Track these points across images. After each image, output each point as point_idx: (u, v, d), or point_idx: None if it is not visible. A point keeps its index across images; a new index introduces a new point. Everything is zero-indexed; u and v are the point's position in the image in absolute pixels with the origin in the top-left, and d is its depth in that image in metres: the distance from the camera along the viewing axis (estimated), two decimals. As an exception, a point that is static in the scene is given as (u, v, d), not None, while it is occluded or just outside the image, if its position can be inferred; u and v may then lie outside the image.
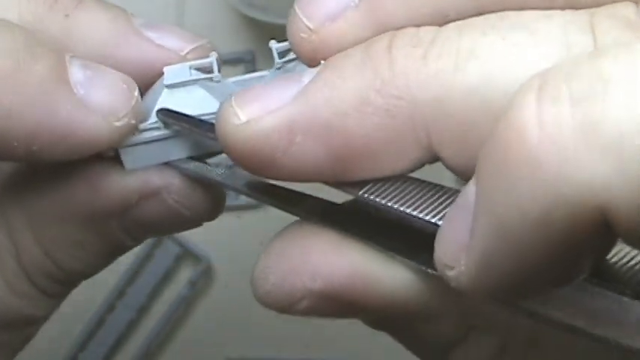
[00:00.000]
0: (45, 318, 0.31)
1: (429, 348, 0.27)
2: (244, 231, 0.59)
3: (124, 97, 0.27)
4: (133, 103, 0.27)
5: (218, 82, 0.28)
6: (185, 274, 0.60)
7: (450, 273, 0.22)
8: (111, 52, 0.28)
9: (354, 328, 0.59)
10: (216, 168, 0.29)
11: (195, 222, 0.30)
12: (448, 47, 0.23)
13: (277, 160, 0.24)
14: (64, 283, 0.30)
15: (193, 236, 0.59)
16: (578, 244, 0.19)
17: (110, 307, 0.59)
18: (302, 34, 0.25)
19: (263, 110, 0.24)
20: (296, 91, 0.24)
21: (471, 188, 0.21)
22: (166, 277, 0.59)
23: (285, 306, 0.26)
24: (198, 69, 0.29)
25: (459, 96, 0.23)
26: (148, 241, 0.59)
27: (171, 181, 0.28)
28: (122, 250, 0.30)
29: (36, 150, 0.25)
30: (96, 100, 0.26)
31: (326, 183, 0.26)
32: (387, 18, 0.24)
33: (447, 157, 0.24)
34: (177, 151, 0.28)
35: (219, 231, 0.59)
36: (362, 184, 0.25)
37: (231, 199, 0.59)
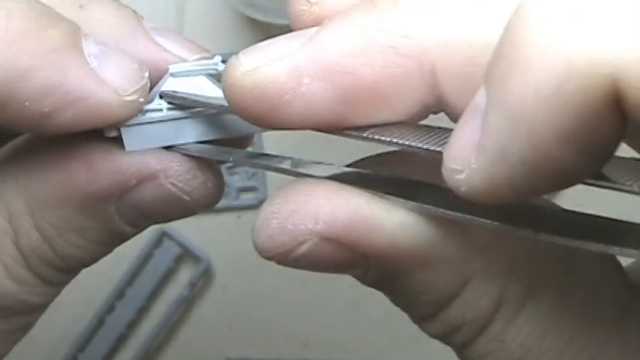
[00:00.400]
0: (43, 307, 0.31)
1: (425, 302, 0.27)
2: (244, 231, 0.59)
3: (136, 75, 0.27)
4: (143, 82, 0.27)
5: (222, 70, 0.29)
6: (185, 274, 0.60)
7: (459, 177, 0.22)
8: (119, 48, 0.29)
9: (354, 328, 0.59)
10: (219, 147, 0.29)
11: (194, 209, 0.30)
12: None
13: (284, 103, 0.25)
14: (62, 270, 0.30)
15: (193, 236, 0.59)
16: (591, 124, 0.19)
17: (110, 308, 0.59)
18: (302, 7, 0.26)
19: (270, 57, 0.25)
20: (303, 40, 0.25)
21: (479, 94, 0.22)
22: (166, 278, 0.59)
23: (287, 250, 0.25)
24: (202, 67, 0.29)
25: (465, 31, 0.24)
26: (148, 242, 0.59)
27: (169, 164, 0.28)
28: (121, 238, 0.30)
29: (45, 112, 0.26)
30: (108, 73, 0.27)
31: (331, 131, 0.26)
32: None
33: (450, 96, 0.25)
34: (179, 135, 0.28)
35: (218, 231, 0.59)
36: (366, 128, 0.25)
37: (231, 199, 0.59)
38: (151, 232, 0.59)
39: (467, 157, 0.22)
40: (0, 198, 0.29)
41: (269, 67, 0.25)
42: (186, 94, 0.28)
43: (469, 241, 0.25)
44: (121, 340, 0.59)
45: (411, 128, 0.25)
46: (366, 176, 0.26)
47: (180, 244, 0.59)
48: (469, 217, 0.24)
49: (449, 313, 0.26)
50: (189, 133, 0.28)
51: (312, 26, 0.26)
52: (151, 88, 0.29)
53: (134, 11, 0.30)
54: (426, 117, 0.26)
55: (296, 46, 0.25)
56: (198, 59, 0.29)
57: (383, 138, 0.25)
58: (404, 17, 0.25)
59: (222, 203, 0.59)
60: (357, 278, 0.28)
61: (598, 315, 0.26)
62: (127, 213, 0.29)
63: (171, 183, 0.29)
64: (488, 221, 0.24)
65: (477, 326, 0.26)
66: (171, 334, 0.60)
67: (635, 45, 0.18)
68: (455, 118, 0.24)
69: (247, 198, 0.59)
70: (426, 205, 0.25)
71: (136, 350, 0.59)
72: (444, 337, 0.28)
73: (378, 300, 0.63)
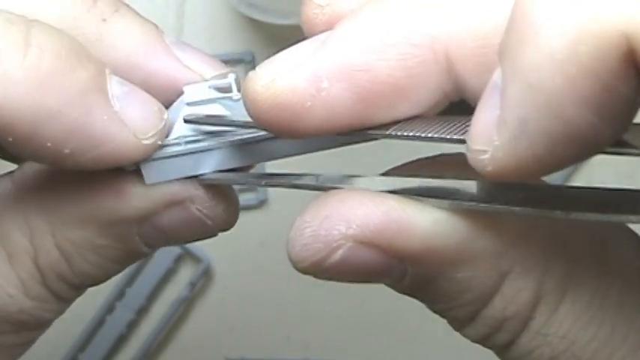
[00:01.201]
0: (51, 322, 0.31)
1: (464, 303, 0.26)
2: (244, 231, 0.59)
3: (156, 117, 0.28)
4: (162, 125, 0.28)
5: (237, 100, 0.29)
6: (185, 274, 0.60)
7: (484, 156, 0.22)
8: (140, 63, 0.29)
9: (354, 328, 0.59)
10: (235, 174, 0.29)
11: (213, 232, 0.31)
12: None
13: (307, 110, 0.25)
14: (75, 287, 0.30)
15: (193, 236, 0.59)
16: (608, 85, 0.19)
17: (110, 308, 0.59)
18: (315, 11, 0.27)
19: (287, 67, 0.25)
20: (317, 45, 0.25)
21: (496, 72, 0.22)
22: (166, 278, 0.59)
23: (322, 258, 0.26)
24: (217, 88, 0.29)
25: (475, 13, 0.24)
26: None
27: (195, 192, 0.29)
28: (137, 257, 0.31)
29: (66, 154, 0.26)
30: (130, 116, 0.27)
31: (355, 134, 0.26)
32: None
33: (467, 80, 0.25)
34: (197, 166, 0.29)
35: (219, 231, 0.59)
36: (389, 125, 0.26)
37: (231, 199, 0.59)
38: (150, 232, 0.59)
39: (489, 136, 0.22)
40: (23, 216, 0.29)
41: (287, 77, 0.25)
42: (208, 117, 0.29)
43: (503, 235, 0.25)
44: (121, 340, 0.59)
45: (433, 120, 0.25)
46: (398, 181, 0.27)
47: (180, 245, 0.59)
48: (501, 206, 0.24)
49: (489, 311, 0.26)
50: (207, 163, 0.29)
51: (325, 29, 0.26)
52: (166, 104, 0.29)
53: (155, 25, 0.30)
54: (446, 106, 0.26)
55: (310, 51, 0.25)
56: (214, 77, 0.30)
57: (406, 133, 0.25)
58: (412, 6, 0.25)
59: (222, 203, 0.59)
60: (394, 286, 0.28)
61: (639, 302, 0.26)
62: (148, 235, 0.30)
63: (197, 209, 0.29)
64: (521, 209, 0.24)
65: (519, 322, 0.26)
66: (171, 334, 0.60)
67: None
68: (474, 102, 0.24)
69: (247, 198, 0.59)
70: (458, 201, 0.25)
71: (136, 350, 0.59)
72: (487, 339, 0.27)
73: (378, 300, 0.63)
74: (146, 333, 0.59)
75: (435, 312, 0.28)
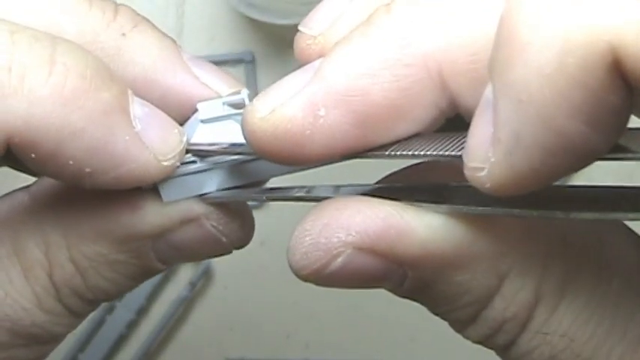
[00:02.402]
0: (62, 337, 0.31)
1: (464, 305, 0.27)
2: (244, 231, 0.59)
3: (175, 140, 0.28)
4: (182, 147, 0.28)
5: None
6: (185, 275, 0.60)
7: (482, 174, 0.22)
8: (157, 79, 0.29)
9: (354, 328, 0.59)
10: (249, 189, 0.30)
11: (228, 249, 0.31)
12: None
13: (307, 138, 0.25)
14: (89, 302, 0.30)
15: (193, 236, 0.59)
16: (597, 95, 0.20)
17: (110, 308, 0.59)
18: (308, 42, 0.27)
19: (283, 97, 0.25)
20: (311, 73, 0.26)
21: (488, 89, 0.22)
22: (166, 278, 0.59)
23: (322, 265, 0.26)
24: (231, 104, 0.29)
25: (464, 29, 0.24)
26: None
27: (210, 208, 0.29)
28: (151, 273, 0.31)
29: (87, 172, 0.26)
30: (151, 137, 0.27)
31: (355, 156, 0.26)
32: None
33: (461, 95, 0.25)
34: (211, 183, 0.29)
35: (219, 231, 0.59)
36: (388, 146, 0.26)
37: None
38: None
39: (485, 153, 0.22)
40: (39, 230, 0.29)
41: (285, 107, 0.25)
42: (211, 145, 0.29)
43: (501, 237, 0.26)
44: (121, 340, 0.59)
45: (431, 137, 0.26)
46: (395, 189, 0.27)
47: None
48: (499, 210, 0.25)
49: (490, 312, 0.27)
50: (222, 180, 0.29)
51: (320, 57, 0.26)
52: (181, 119, 0.29)
53: (174, 41, 0.30)
54: (443, 122, 0.26)
55: (305, 80, 0.25)
56: (228, 95, 0.30)
57: (405, 152, 0.25)
58: (401, 26, 0.25)
59: (222, 203, 0.59)
60: (394, 291, 0.28)
61: (637, 299, 0.26)
62: (163, 251, 0.30)
63: (212, 225, 0.29)
64: (519, 210, 0.24)
65: (519, 322, 0.26)
66: (171, 334, 0.60)
67: (628, 10, 0.19)
68: (469, 117, 0.24)
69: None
70: (455, 206, 0.25)
71: (136, 350, 0.59)
72: (488, 340, 0.27)
73: (378, 300, 0.63)
74: (146, 333, 0.59)
75: (436, 314, 0.28)
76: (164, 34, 0.30)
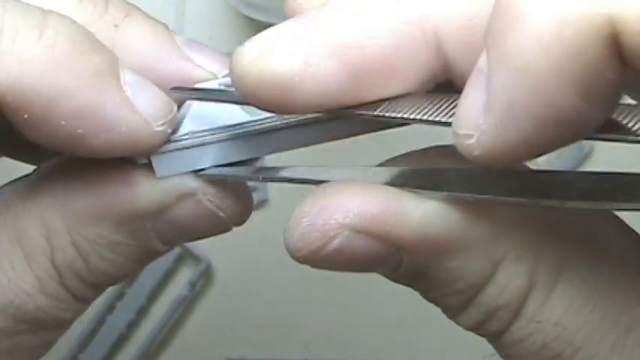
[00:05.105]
0: (69, 323, 0.31)
1: (458, 291, 0.27)
2: (244, 231, 0.59)
3: (166, 107, 0.28)
4: (172, 115, 0.28)
5: None
6: (185, 274, 0.60)
7: (471, 141, 0.22)
8: (153, 66, 0.30)
9: (354, 328, 0.59)
10: (245, 167, 0.30)
11: (226, 225, 0.31)
12: None
13: (296, 85, 0.25)
14: (93, 286, 0.31)
15: (193, 236, 0.59)
16: (592, 68, 0.20)
17: (110, 308, 0.59)
18: (300, 2, 0.28)
19: (275, 43, 0.25)
20: (306, 22, 0.26)
21: (482, 57, 0.22)
22: (166, 278, 0.59)
23: (319, 247, 0.26)
24: (227, 85, 0.29)
25: None
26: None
27: (206, 184, 0.29)
28: (153, 255, 0.31)
29: (79, 134, 0.27)
30: (141, 103, 0.28)
31: (342, 112, 0.26)
32: None
33: (455, 61, 0.25)
34: (206, 159, 0.29)
35: (219, 231, 0.59)
36: (377, 104, 0.26)
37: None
38: (150, 232, 0.59)
39: (475, 120, 0.22)
40: (38, 215, 0.29)
41: (276, 53, 0.25)
42: (196, 90, 0.29)
43: (497, 223, 0.26)
44: (121, 340, 0.59)
45: (421, 99, 0.26)
46: (393, 172, 0.27)
47: (180, 244, 0.59)
48: (496, 197, 0.25)
49: (483, 298, 0.27)
50: (217, 156, 0.29)
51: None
52: (180, 105, 0.30)
53: (166, 26, 0.31)
54: (432, 88, 0.27)
55: (300, 28, 0.25)
56: (225, 76, 0.30)
57: (394, 115, 0.26)
58: None
59: (222, 203, 0.59)
60: (389, 275, 0.28)
61: (629, 288, 0.26)
62: (163, 230, 0.30)
63: (209, 200, 0.30)
64: (515, 198, 0.24)
65: (512, 309, 0.27)
66: (171, 334, 0.60)
67: None
68: (461, 84, 0.24)
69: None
70: (452, 193, 0.25)
71: (136, 350, 0.59)
72: (479, 327, 0.28)
73: (378, 300, 0.63)
74: (146, 333, 0.59)
75: (429, 300, 0.28)
76: (156, 21, 0.31)
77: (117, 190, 0.29)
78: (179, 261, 0.59)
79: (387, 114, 0.26)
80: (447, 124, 0.24)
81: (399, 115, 0.25)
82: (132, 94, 0.27)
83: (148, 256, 0.31)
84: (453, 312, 0.28)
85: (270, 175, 0.29)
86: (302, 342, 0.59)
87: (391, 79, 0.26)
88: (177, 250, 0.59)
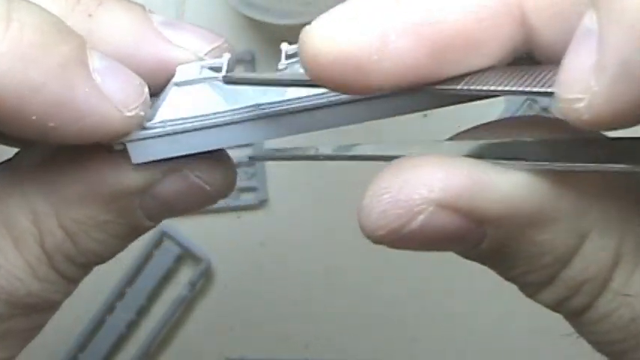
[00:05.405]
0: (59, 304, 0.32)
1: (543, 266, 0.26)
2: (244, 231, 0.59)
3: (137, 91, 0.28)
4: (144, 99, 0.28)
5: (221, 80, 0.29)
6: (185, 274, 0.60)
7: (580, 105, 0.22)
8: (131, 53, 0.29)
9: (354, 328, 0.59)
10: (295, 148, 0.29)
11: (213, 198, 0.31)
12: None
13: (374, 64, 0.24)
14: (82, 266, 0.31)
15: (193, 236, 0.59)
16: None
17: (110, 308, 0.59)
18: None
19: (350, 20, 0.24)
20: None
21: (587, 17, 0.22)
22: (166, 278, 0.59)
23: (401, 224, 0.25)
24: (211, 68, 0.29)
25: None
26: (148, 242, 0.59)
27: (191, 159, 0.29)
28: (140, 231, 0.31)
29: (51, 127, 0.26)
30: (111, 89, 0.27)
31: (422, 88, 0.25)
32: None
33: (540, 31, 0.24)
34: (184, 146, 0.29)
35: (219, 231, 0.59)
36: (460, 78, 0.25)
37: (231, 199, 0.59)
38: (150, 232, 0.59)
39: (586, 83, 0.21)
40: (25, 200, 0.29)
41: (351, 30, 0.24)
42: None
43: (584, 195, 0.25)
44: (121, 340, 0.59)
45: (504, 72, 0.25)
46: (469, 145, 0.26)
47: (180, 244, 0.59)
48: (582, 165, 0.24)
49: (568, 273, 0.26)
50: (192, 144, 0.29)
51: None
52: (158, 94, 0.29)
53: (142, 8, 0.30)
54: (511, 60, 0.26)
55: (375, 3, 0.24)
56: (209, 52, 0.30)
57: (480, 87, 0.24)
58: None
59: (222, 203, 0.59)
60: (466, 253, 0.27)
61: None
62: (150, 206, 0.30)
63: (196, 175, 0.29)
64: (605, 165, 0.24)
65: (599, 283, 0.26)
66: (171, 334, 0.60)
67: None
68: (546, 55, 0.23)
69: (247, 198, 0.59)
70: (536, 163, 0.24)
71: (136, 350, 0.59)
72: (562, 304, 0.27)
73: (378, 300, 0.63)
74: (146, 333, 0.59)
75: (510, 279, 0.27)
76: (131, 3, 0.30)
77: (103, 169, 0.29)
78: (179, 261, 0.59)
79: (473, 87, 0.25)
80: (541, 93, 0.23)
81: (486, 88, 0.24)
82: (101, 80, 0.27)
83: (135, 233, 0.31)
84: (534, 289, 0.27)
85: (334, 154, 0.28)
86: (302, 342, 0.59)
87: (473, 54, 0.25)
88: (177, 250, 0.59)
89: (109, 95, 0.27)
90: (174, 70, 0.30)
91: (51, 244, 0.30)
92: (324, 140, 0.29)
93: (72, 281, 0.31)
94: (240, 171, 0.59)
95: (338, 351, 0.59)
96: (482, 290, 0.56)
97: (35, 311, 0.31)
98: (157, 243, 0.59)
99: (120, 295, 0.59)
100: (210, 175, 0.30)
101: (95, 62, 0.27)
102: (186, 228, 0.59)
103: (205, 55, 0.30)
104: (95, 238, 0.30)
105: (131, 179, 0.29)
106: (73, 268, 0.30)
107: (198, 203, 0.31)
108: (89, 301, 0.59)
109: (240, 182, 0.60)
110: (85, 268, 0.31)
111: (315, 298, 0.59)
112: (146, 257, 0.59)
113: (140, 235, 0.31)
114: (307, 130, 0.28)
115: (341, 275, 0.59)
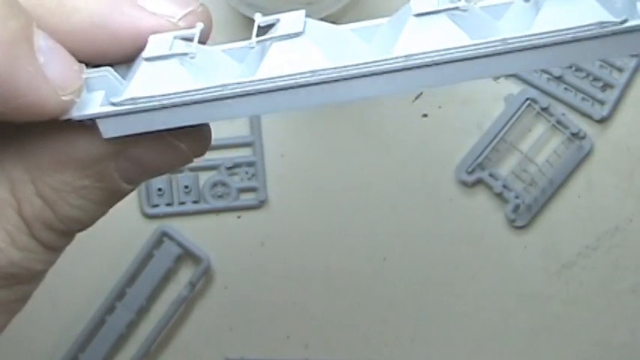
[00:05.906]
0: (42, 274, 0.31)
1: None
2: (244, 231, 0.59)
3: (75, 76, 0.28)
4: (80, 83, 0.28)
5: (194, 58, 0.29)
6: (185, 274, 0.60)
7: None
8: (104, 22, 0.29)
9: (354, 328, 0.59)
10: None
11: (188, 157, 0.31)
12: None
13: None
14: (62, 233, 0.31)
15: (193, 236, 0.59)
16: None
17: (110, 308, 0.59)
18: None
19: None
20: None
21: None
22: (166, 278, 0.59)
23: None
24: (183, 39, 0.29)
25: None
26: (148, 242, 0.59)
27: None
28: (119, 196, 0.31)
29: None
30: (53, 71, 0.27)
31: None
32: None
33: None
34: (151, 124, 0.29)
35: (218, 231, 0.59)
36: None
37: (231, 199, 0.59)
38: (151, 232, 0.59)
39: None
40: (0, 170, 0.29)
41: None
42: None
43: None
44: (121, 340, 0.59)
45: None
46: None
47: (180, 244, 0.59)
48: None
49: None
50: (164, 120, 0.29)
51: None
52: (130, 65, 0.29)
53: None
54: None
55: None
56: (183, 17, 0.29)
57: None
58: None
59: (222, 203, 0.59)
60: None
61: None
62: (126, 169, 0.30)
63: (169, 133, 0.29)
64: None
65: None
66: (171, 334, 0.60)
67: None
68: None
69: (247, 198, 0.59)
70: None
71: (136, 350, 0.59)
72: None
73: (378, 300, 0.63)
74: (146, 333, 0.59)
75: None
76: None
77: (76, 134, 0.29)
78: (179, 261, 0.59)
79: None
80: None
81: None
82: (44, 62, 0.27)
83: (115, 197, 0.31)
84: None
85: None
86: (302, 342, 0.59)
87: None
88: (177, 250, 0.59)
89: (49, 77, 0.27)
90: (147, 40, 0.29)
91: (30, 212, 0.29)
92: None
93: (54, 250, 0.31)
94: (240, 171, 0.60)
95: (338, 351, 0.59)
96: (482, 290, 0.56)
97: (18, 282, 0.30)
98: (157, 243, 0.59)
99: (120, 295, 0.59)
100: (185, 133, 0.30)
101: (40, 42, 0.27)
102: (186, 228, 0.59)
103: (179, 20, 0.30)
104: (74, 204, 0.30)
105: (104, 144, 0.29)
106: (54, 236, 0.30)
107: (173, 162, 0.31)
108: (89, 301, 0.59)
109: (241, 182, 0.60)
110: (67, 235, 0.31)
111: (315, 298, 0.59)
112: (146, 257, 0.59)
113: (120, 199, 0.31)
114: (274, 110, 0.28)
115: (341, 275, 0.59)
